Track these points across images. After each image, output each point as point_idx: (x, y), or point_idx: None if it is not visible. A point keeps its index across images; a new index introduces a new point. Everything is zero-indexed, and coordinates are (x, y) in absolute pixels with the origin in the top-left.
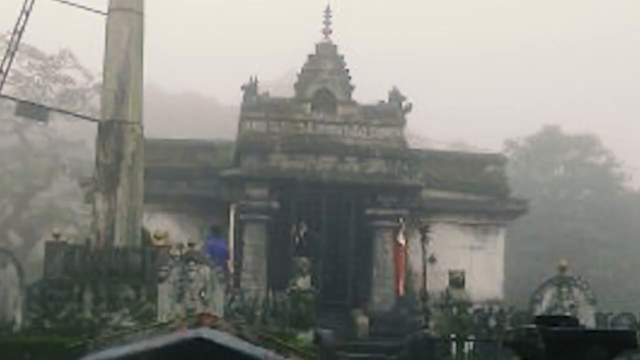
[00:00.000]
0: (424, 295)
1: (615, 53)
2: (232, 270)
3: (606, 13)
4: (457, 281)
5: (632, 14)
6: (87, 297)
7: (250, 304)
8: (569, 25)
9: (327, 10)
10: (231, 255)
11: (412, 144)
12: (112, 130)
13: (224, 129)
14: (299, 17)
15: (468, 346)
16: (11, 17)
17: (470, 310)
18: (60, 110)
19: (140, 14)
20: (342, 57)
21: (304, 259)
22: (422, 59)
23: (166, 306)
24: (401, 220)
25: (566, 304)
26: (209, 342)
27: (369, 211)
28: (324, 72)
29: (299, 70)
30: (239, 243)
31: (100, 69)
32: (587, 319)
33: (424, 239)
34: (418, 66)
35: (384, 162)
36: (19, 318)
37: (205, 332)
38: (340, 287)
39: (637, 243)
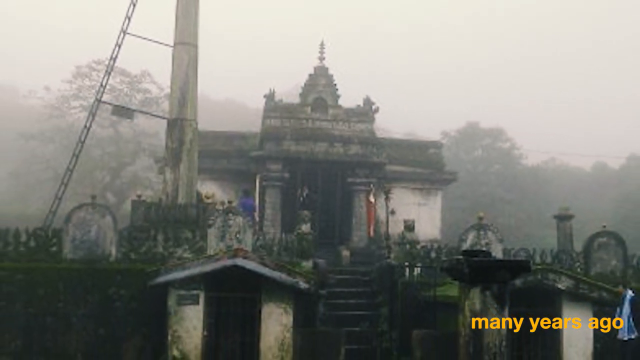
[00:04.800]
0: (387, 236)
1: (526, 69)
2: (257, 219)
3: (528, 40)
4: (409, 227)
5: (555, 47)
6: (160, 237)
7: (270, 242)
8: (494, 50)
9: (322, 44)
10: (257, 209)
11: (379, 134)
12: (177, 125)
13: (251, 124)
14: (303, 48)
15: (416, 270)
16: (108, 48)
17: (418, 246)
18: (141, 111)
19: (195, 46)
20: (332, 75)
21: (306, 212)
22: (387, 75)
23: (213, 244)
24: (371, 185)
25: (483, 242)
26: (242, 268)
27: (349, 179)
28: (319, 85)
29: (303, 84)
30: (262, 201)
31: (169, 83)
32: (497, 253)
33: (387, 198)
34: (384, 81)
35: (360, 146)
36: (113, 252)
37: (239, 261)
38: (330, 230)
39: (530, 201)
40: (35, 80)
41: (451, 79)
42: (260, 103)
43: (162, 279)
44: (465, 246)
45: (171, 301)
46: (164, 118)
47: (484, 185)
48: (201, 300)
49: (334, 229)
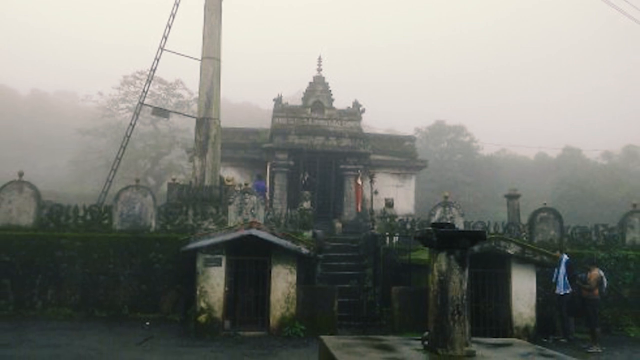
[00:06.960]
0: (372, 212)
1: (483, 78)
2: (268, 198)
3: (486, 53)
4: (389, 204)
5: (507, 59)
6: (190, 212)
7: (278, 216)
8: (458, 62)
9: (320, 59)
10: (267, 190)
11: (365, 130)
12: (204, 123)
13: (263, 122)
14: (305, 61)
15: (395, 239)
16: (147, 61)
17: (396, 220)
18: (175, 112)
19: (219, 60)
20: (328, 83)
21: (306, 192)
22: (372, 83)
23: (232, 217)
24: (359, 171)
25: (448, 216)
26: (256, 237)
27: (341, 166)
28: (317, 91)
29: (304, 90)
30: (271, 183)
31: (197, 89)
32: (459, 225)
33: (372, 181)
34: (369, 87)
35: (350, 140)
36: (153, 224)
37: (254, 231)
38: (326, 207)
39: (486, 183)
40: (91, 87)
41: (423, 85)
42: (270, 105)
43: (192, 245)
44: (434, 219)
45: (199, 263)
46: (193, 117)
47: (448, 171)
48: (223, 262)
49: (329, 205)
